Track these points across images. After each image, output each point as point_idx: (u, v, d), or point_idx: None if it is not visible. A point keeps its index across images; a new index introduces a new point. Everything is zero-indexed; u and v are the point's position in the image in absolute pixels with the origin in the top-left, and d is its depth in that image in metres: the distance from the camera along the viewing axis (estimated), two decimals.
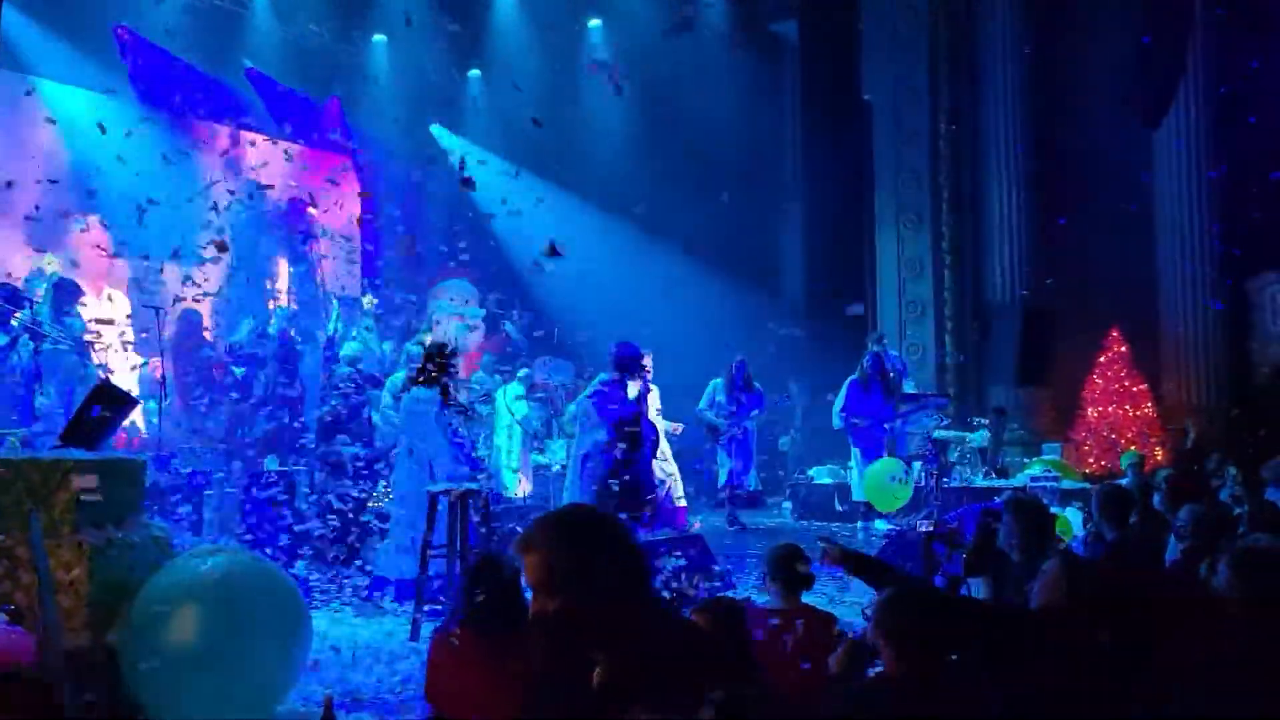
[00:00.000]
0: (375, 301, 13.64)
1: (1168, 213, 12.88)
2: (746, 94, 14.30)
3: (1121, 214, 12.43)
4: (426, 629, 5.61)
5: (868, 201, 14.05)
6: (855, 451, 10.52)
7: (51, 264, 10.37)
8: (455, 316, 14.53)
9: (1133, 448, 11.18)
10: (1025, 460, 11.49)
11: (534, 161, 14.46)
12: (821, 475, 11.69)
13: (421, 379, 6.69)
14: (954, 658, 2.88)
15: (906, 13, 13.66)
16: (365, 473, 8.12)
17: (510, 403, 10.40)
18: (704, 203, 13.33)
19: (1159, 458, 11.65)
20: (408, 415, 6.69)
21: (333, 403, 8.45)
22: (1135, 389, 12.23)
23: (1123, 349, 12.42)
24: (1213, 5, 12.52)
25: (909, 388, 11.02)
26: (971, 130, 13.41)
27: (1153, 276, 12.93)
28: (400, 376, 9.57)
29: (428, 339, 13.53)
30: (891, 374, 10.54)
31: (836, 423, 10.63)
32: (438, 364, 6.67)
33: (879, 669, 3.58)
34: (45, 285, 9.24)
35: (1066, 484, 9.53)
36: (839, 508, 11.03)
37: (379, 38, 14.46)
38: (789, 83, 15.51)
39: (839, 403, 10.52)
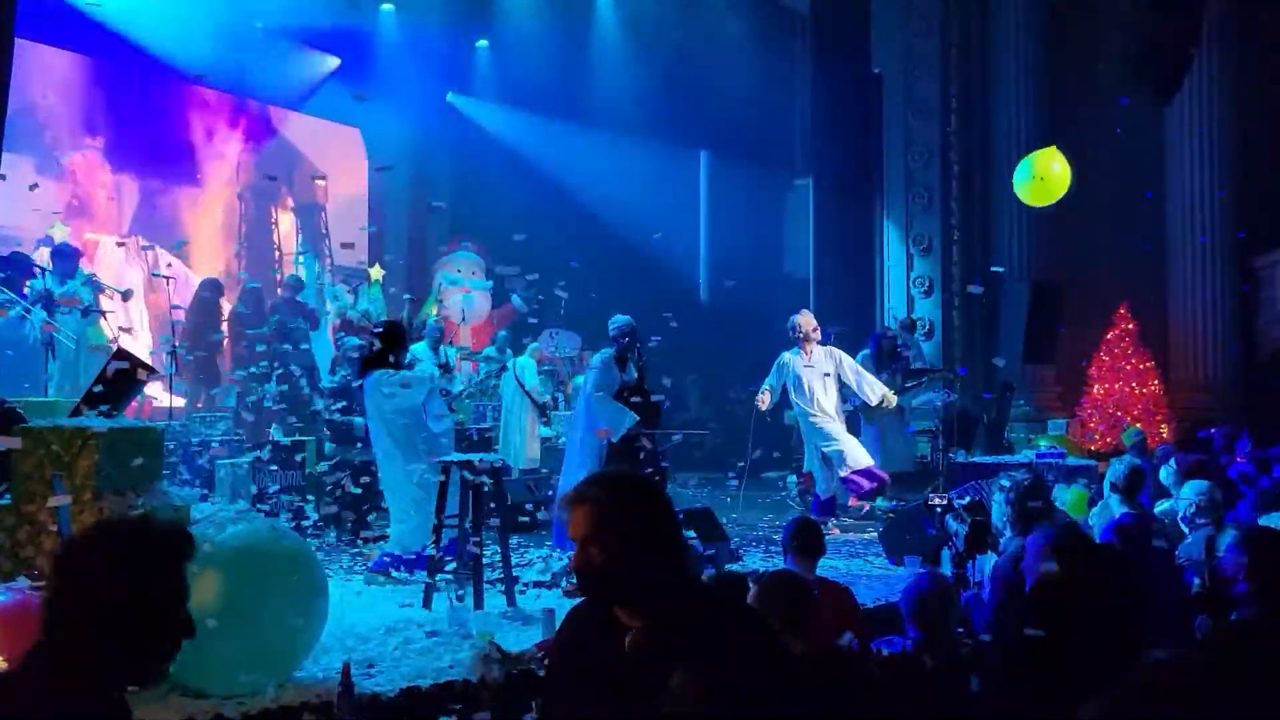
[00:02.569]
0: (384, 273, 13.69)
1: (1178, 190, 12.85)
2: (758, 65, 14.23)
3: (1132, 191, 12.40)
4: (439, 600, 5.68)
5: (877, 176, 14.01)
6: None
7: (60, 230, 10.40)
8: (460, 288, 14.53)
9: (1136, 424, 11.19)
10: (1031, 436, 11.52)
11: (544, 134, 14.48)
12: None
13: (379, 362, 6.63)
14: None
15: None
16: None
17: (520, 374, 10.43)
18: (716, 174, 13.36)
19: (1164, 434, 11.69)
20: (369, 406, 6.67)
21: (343, 373, 8.48)
22: (1142, 366, 12.25)
23: (1130, 326, 12.43)
24: None
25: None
26: (983, 104, 13.36)
27: (1162, 254, 12.92)
28: (421, 347, 9.64)
29: (434, 310, 13.64)
30: (902, 352, 10.54)
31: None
32: (395, 343, 6.63)
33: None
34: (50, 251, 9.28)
35: (1072, 460, 9.56)
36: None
37: (387, 7, 14.38)
38: (800, 54, 15.43)
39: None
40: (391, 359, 6.53)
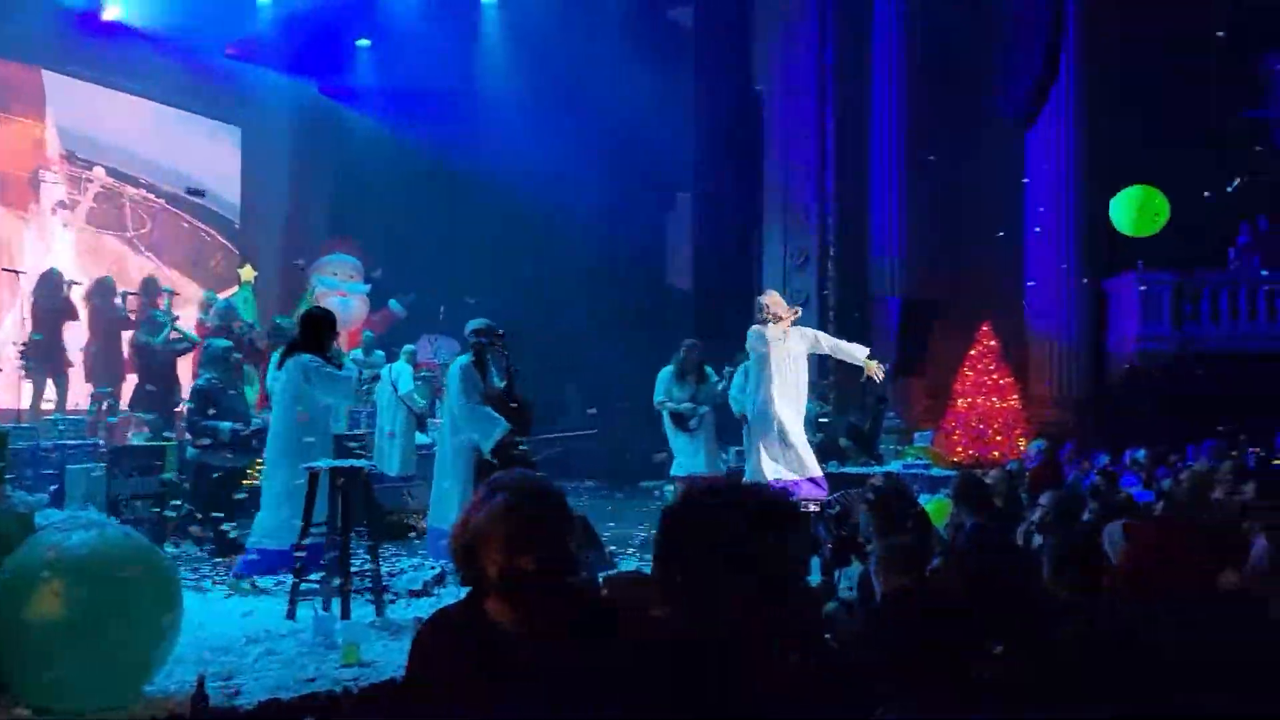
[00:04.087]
0: (255, 274, 13.28)
1: (1036, 213, 13.49)
2: (642, 78, 14.34)
3: (996, 212, 12.97)
4: (304, 609, 5.53)
5: (757, 192, 14.29)
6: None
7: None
8: (337, 291, 14.20)
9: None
10: (900, 448, 11.89)
11: (426, 139, 14.30)
12: None
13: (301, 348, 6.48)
14: None
15: (798, 4, 13.90)
16: (241, 448, 7.88)
17: (396, 380, 10.23)
18: (598, 189, 13.41)
19: (1023, 449, 12.20)
20: (288, 386, 6.49)
21: (208, 375, 8.18)
22: (1002, 381, 12.78)
23: (992, 343, 12.95)
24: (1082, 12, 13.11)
25: None
26: (857, 125, 13.76)
27: (1022, 274, 13.54)
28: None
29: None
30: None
31: (737, 408, 10.16)
32: (321, 331, 6.50)
33: None
34: None
35: (936, 471, 9.91)
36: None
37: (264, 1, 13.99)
38: (683, 69, 15.60)
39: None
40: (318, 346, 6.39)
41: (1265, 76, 14.99)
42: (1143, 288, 13.09)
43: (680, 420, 9.10)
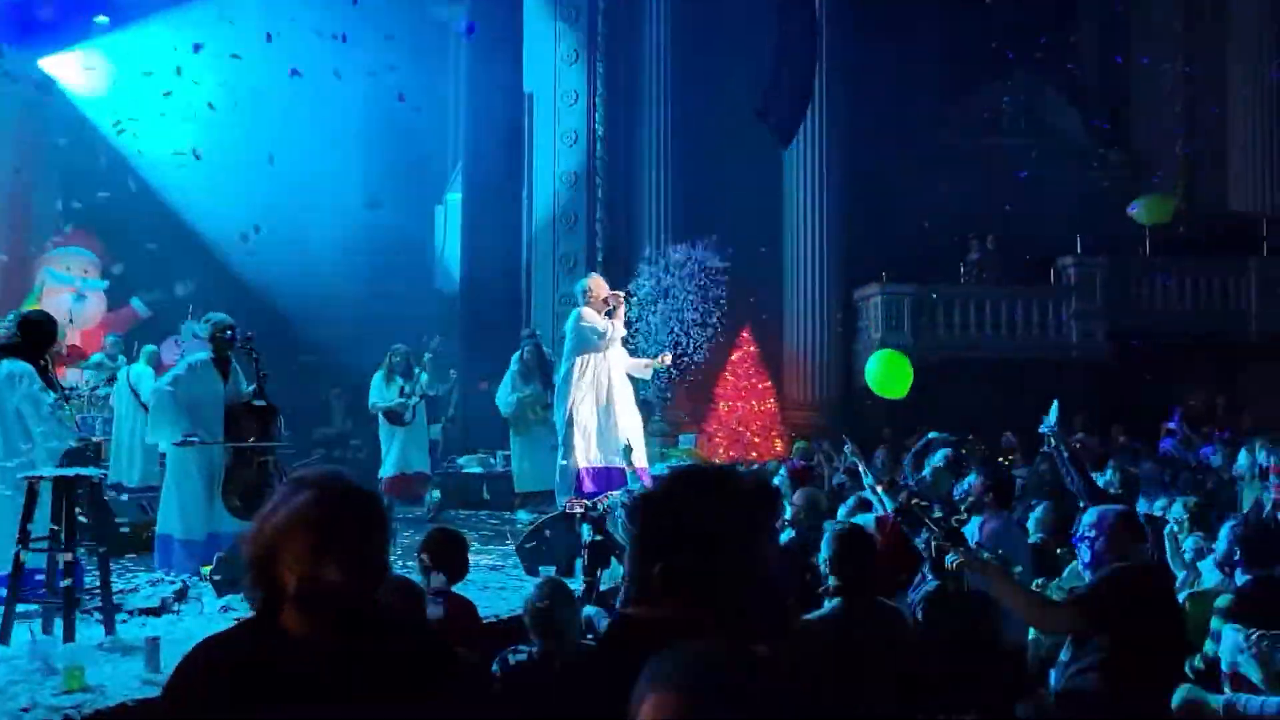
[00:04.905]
0: None
1: (792, 226, 14.20)
2: (411, 74, 13.99)
3: (756, 223, 13.55)
4: (19, 630, 5.00)
5: (527, 194, 14.27)
6: (517, 440, 10.34)
7: None
8: (69, 287, 13.04)
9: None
10: (664, 450, 12.17)
11: (174, 122, 13.36)
12: (470, 464, 11.72)
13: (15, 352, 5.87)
14: None
15: (566, 8, 14.00)
16: None
17: (135, 383, 9.47)
18: (363, 189, 12.98)
19: (778, 450, 12.78)
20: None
21: None
22: (761, 386, 13.35)
23: (752, 349, 13.50)
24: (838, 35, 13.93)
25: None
26: (627, 133, 14.02)
27: (779, 283, 14.21)
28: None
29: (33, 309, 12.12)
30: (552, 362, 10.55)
31: (505, 410, 10.32)
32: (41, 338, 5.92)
33: None
34: None
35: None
36: (486, 496, 11.06)
37: None
38: (454, 67, 15.36)
39: (504, 388, 10.28)
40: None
41: (991, 107, 16.48)
42: (885, 299, 14.03)
43: (395, 417, 9.75)
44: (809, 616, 3.62)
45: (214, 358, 6.75)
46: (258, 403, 6.70)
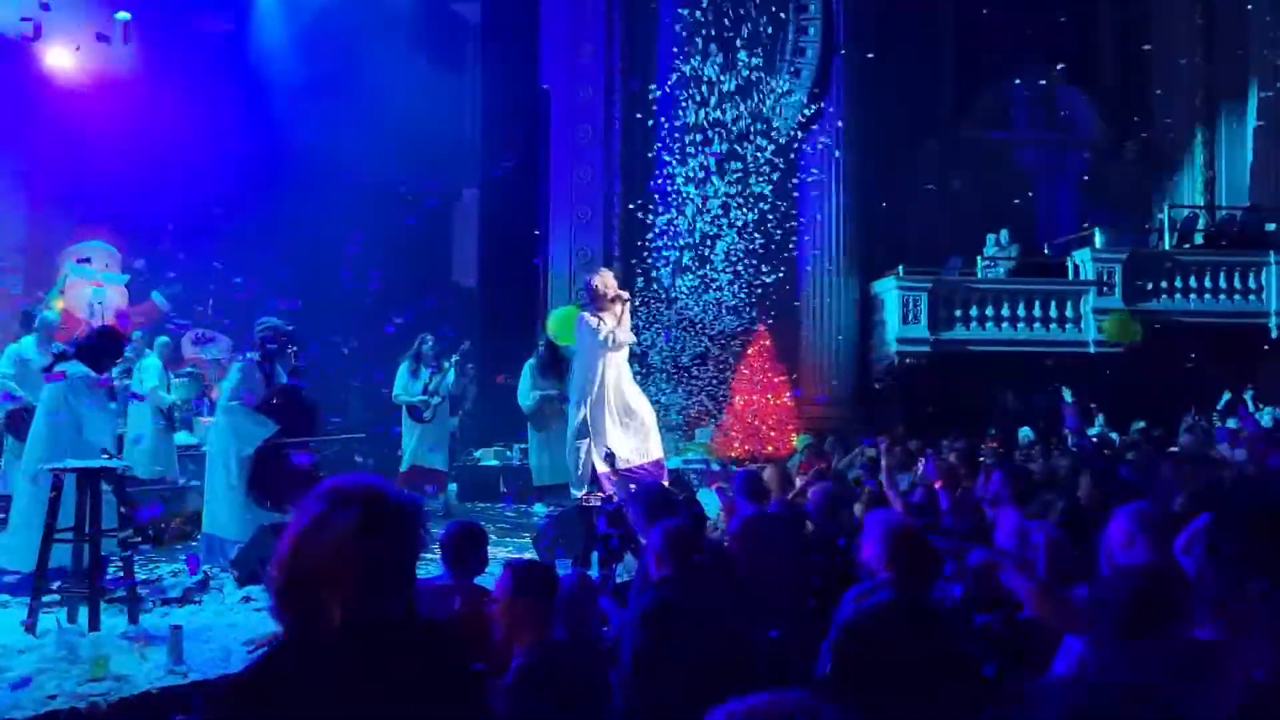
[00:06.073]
0: None
1: (809, 221, 14.17)
2: (426, 71, 14.04)
3: (773, 216, 13.50)
4: (46, 620, 5.08)
5: (543, 189, 14.29)
6: (535, 434, 10.29)
7: None
8: (92, 281, 13.12)
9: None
10: (681, 444, 12.20)
11: (194, 121, 13.44)
12: (487, 457, 11.78)
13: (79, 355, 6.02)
14: None
15: (582, 2, 13.98)
16: None
17: (142, 375, 9.54)
18: (381, 184, 13.02)
19: (793, 445, 12.77)
20: (61, 389, 5.96)
21: None
22: (776, 380, 13.33)
23: (767, 344, 13.49)
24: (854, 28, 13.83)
25: None
26: (645, 126, 13.96)
27: (795, 278, 14.19)
28: (30, 342, 8.54)
29: (58, 305, 12.22)
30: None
31: (525, 402, 10.33)
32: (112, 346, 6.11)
33: None
34: None
35: (715, 465, 10.23)
36: (503, 489, 11.13)
37: None
38: (470, 64, 15.40)
39: (524, 384, 10.22)
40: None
41: (1006, 102, 16.41)
42: (902, 292, 14.00)
43: (415, 413, 9.73)
44: (863, 606, 3.55)
45: (261, 360, 6.95)
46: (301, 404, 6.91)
